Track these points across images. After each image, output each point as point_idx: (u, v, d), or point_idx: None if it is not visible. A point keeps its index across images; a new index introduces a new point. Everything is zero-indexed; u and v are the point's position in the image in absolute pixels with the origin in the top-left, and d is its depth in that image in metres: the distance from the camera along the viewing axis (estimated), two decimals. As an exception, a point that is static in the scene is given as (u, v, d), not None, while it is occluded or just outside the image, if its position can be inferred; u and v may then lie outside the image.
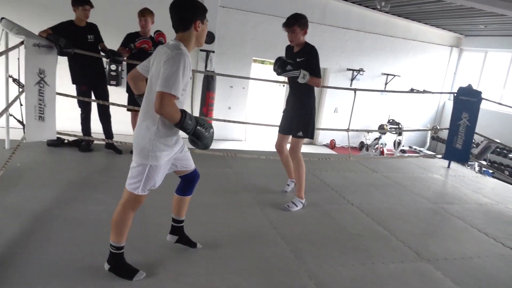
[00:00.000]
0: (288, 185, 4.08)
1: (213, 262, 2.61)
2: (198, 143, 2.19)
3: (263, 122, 12.28)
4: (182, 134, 2.17)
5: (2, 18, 4.10)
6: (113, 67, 8.65)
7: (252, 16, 9.62)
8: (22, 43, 3.68)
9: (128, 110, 4.71)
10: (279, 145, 3.80)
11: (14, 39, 3.91)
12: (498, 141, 7.16)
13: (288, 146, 3.76)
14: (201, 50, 9.24)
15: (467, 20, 9.75)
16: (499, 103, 6.89)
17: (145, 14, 4.43)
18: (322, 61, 11.54)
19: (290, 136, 3.66)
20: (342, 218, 3.60)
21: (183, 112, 2.02)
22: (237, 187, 4.11)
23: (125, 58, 4.48)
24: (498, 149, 9.83)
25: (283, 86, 16.80)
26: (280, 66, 3.36)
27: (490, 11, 6.72)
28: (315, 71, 3.37)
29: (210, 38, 9.14)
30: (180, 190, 2.52)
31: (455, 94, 5.46)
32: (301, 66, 3.33)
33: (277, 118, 12.58)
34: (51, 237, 2.68)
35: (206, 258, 2.65)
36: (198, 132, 2.11)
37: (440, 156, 6.41)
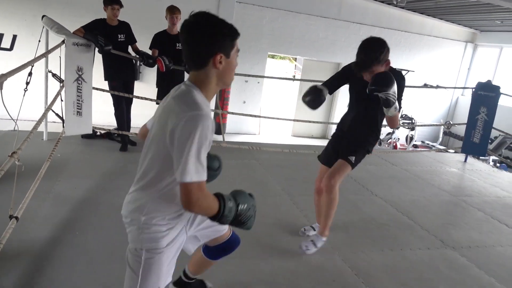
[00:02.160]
0: (315, 230, 3.07)
1: (251, 245, 2.80)
2: (241, 227, 1.51)
3: (277, 115, 12.44)
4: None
5: (44, 16, 4.29)
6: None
7: (268, 11, 9.74)
8: (63, 42, 3.87)
9: (157, 104, 4.89)
10: (321, 180, 2.81)
11: (53, 37, 4.12)
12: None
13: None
14: (218, 45, 9.40)
15: (483, 15, 9.77)
16: (515, 99, 6.98)
17: (175, 11, 4.53)
18: (336, 56, 11.58)
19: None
20: (368, 209, 3.78)
21: (222, 201, 1.38)
22: (265, 178, 4.30)
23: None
24: (511, 145, 9.90)
25: (293, 82, 16.92)
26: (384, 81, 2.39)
27: (507, 7, 6.78)
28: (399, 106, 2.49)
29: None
30: (207, 252, 1.91)
31: (473, 89, 5.57)
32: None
33: (291, 112, 12.81)
34: (102, 222, 2.89)
35: (244, 240, 2.84)
36: (238, 221, 1.47)
37: (453, 150, 6.53)
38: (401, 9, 10.31)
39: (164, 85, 4.75)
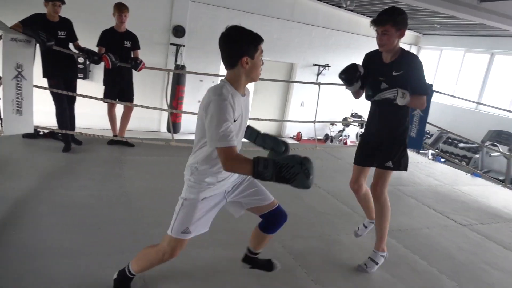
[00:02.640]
0: (366, 226, 3.09)
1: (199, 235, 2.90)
2: (294, 185, 1.69)
3: (233, 115, 12.51)
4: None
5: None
6: (80, 59, 8.61)
7: (223, 11, 9.84)
8: (0, 37, 3.75)
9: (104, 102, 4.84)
10: (356, 181, 2.87)
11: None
12: (449, 131, 7.82)
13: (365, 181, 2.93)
14: (171, 44, 9.38)
15: (424, 20, 10.44)
16: (452, 96, 7.55)
17: (123, 9, 4.50)
18: (290, 57, 11.87)
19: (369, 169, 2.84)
20: (310, 199, 3.98)
21: (255, 161, 1.68)
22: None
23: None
24: (450, 139, 10.65)
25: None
26: (372, 87, 2.56)
27: (442, 12, 7.31)
28: (419, 88, 2.48)
29: (180, 32, 9.31)
30: (263, 227, 2.23)
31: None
32: (398, 83, 2.44)
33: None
34: (41, 220, 2.87)
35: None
36: (282, 178, 1.67)
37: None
38: (350, 12, 10.77)
39: (111, 83, 4.73)
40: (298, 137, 11.75)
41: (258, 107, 11.34)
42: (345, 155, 5.96)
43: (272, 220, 2.19)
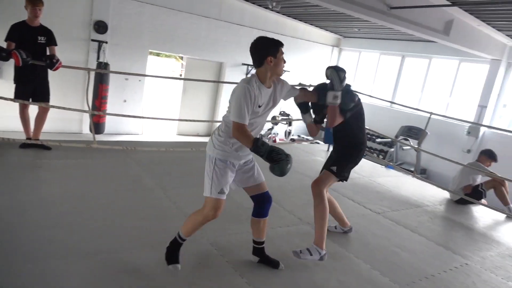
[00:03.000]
0: (335, 227, 3.57)
1: (123, 239, 2.83)
2: (274, 168, 2.22)
3: (160, 114, 12.22)
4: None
5: None
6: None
7: (148, 8, 9.56)
8: None
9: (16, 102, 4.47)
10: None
11: None
12: (367, 128, 8.44)
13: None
14: (93, 40, 8.89)
15: (344, 23, 11.13)
16: (370, 96, 8.16)
17: (38, 3, 4.18)
18: (219, 56, 11.86)
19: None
20: (238, 196, 4.03)
21: (257, 139, 2.24)
22: (139, 174, 4.29)
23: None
24: (368, 135, 11.50)
25: (178, 80, 16.86)
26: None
27: (357, 16, 7.85)
28: None
29: (102, 27, 8.86)
30: (254, 213, 2.69)
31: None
32: None
33: (176, 111, 12.70)
34: None
35: (116, 236, 2.85)
36: (271, 157, 2.20)
37: (321, 142, 7.37)
38: (277, 13, 11.10)
39: (24, 81, 4.36)
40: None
41: (188, 107, 11.22)
42: (272, 152, 6.16)
43: (259, 202, 2.65)
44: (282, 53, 2.43)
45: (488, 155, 5.20)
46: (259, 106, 2.37)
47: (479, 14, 7.42)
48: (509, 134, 8.49)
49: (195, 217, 2.53)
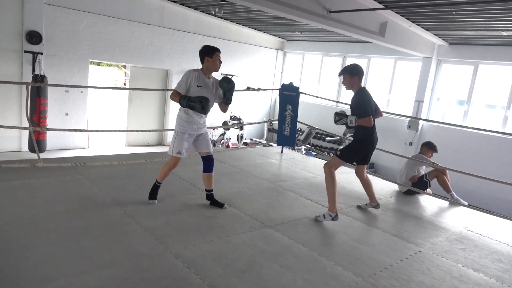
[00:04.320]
0: (366, 205, 4.57)
1: (80, 261, 2.68)
2: (195, 110, 3.54)
3: (107, 126, 11.72)
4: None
5: None
6: None
7: (85, 16, 9.15)
8: None
9: None
10: (355, 172, 4.48)
11: None
12: (316, 127, 8.73)
13: (364, 173, 4.42)
14: (26, 52, 8.32)
15: (286, 27, 11.42)
16: (316, 96, 8.43)
17: None
18: (164, 63, 11.67)
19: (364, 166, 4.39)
20: (198, 206, 4.01)
21: (182, 96, 3.53)
22: (91, 191, 4.09)
23: None
24: (318, 134, 11.87)
25: (124, 85, 16.33)
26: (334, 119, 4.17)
27: (298, 20, 8.08)
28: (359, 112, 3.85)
29: (36, 38, 8.34)
30: (204, 169, 3.90)
31: (279, 90, 6.49)
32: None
33: (123, 121, 12.30)
34: None
35: (72, 258, 2.69)
36: (190, 106, 3.49)
37: (274, 144, 7.48)
38: (220, 18, 11.12)
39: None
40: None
41: (135, 116, 10.87)
42: (228, 158, 6.16)
43: (206, 162, 3.88)
44: (218, 55, 3.66)
45: (429, 147, 5.59)
46: (198, 86, 3.60)
47: (410, 15, 7.97)
48: (444, 125, 9.20)
49: (164, 168, 3.86)
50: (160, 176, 3.86)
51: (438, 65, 10.26)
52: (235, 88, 3.69)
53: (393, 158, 7.08)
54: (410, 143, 10.22)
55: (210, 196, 4.01)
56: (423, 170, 5.54)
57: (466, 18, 7.41)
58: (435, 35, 9.25)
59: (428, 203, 5.21)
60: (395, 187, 5.71)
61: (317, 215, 4.00)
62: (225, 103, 3.79)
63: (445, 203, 5.24)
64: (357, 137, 4.05)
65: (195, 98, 3.46)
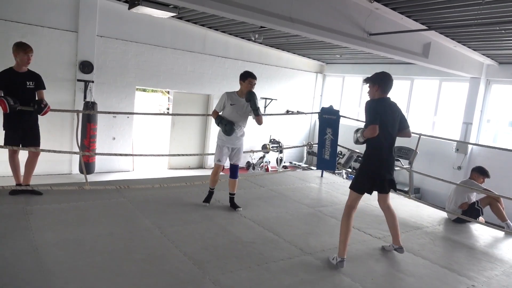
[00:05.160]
0: (389, 246, 3.85)
1: (122, 285, 2.72)
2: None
3: (151, 150, 12.11)
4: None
5: None
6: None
7: (133, 46, 9.68)
8: None
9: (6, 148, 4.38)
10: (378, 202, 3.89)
11: None
12: (358, 151, 8.51)
13: (388, 204, 3.77)
14: (79, 80, 8.89)
15: (326, 50, 11.42)
16: (356, 119, 8.27)
17: (29, 50, 4.17)
18: (205, 88, 11.96)
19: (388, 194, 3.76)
20: (236, 230, 3.99)
21: (218, 116, 4.43)
22: (133, 214, 4.19)
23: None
24: (359, 158, 11.57)
25: (167, 111, 16.91)
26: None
27: (337, 44, 8.06)
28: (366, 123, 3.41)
29: (88, 67, 8.90)
30: (230, 176, 4.60)
31: (319, 113, 6.43)
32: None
33: (165, 145, 12.64)
34: None
35: (114, 281, 2.74)
36: (219, 124, 4.36)
37: (314, 168, 7.37)
38: (259, 44, 11.35)
39: (12, 127, 4.31)
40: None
41: (178, 140, 11.19)
42: (267, 182, 6.12)
43: (232, 169, 4.59)
44: (250, 80, 4.35)
45: (480, 172, 5.26)
46: (231, 104, 4.35)
47: (455, 36, 7.71)
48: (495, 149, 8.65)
49: (211, 176, 4.65)
50: (211, 183, 4.67)
51: (487, 85, 9.77)
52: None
53: (440, 183, 6.72)
54: (459, 167, 9.68)
55: (231, 199, 4.67)
56: (474, 197, 5.20)
57: (516, 36, 7.05)
58: (483, 54, 8.85)
59: (481, 232, 4.85)
60: (443, 214, 5.39)
61: (330, 256, 3.48)
62: (255, 115, 4.33)
63: (500, 233, 4.86)
64: (362, 159, 3.54)
65: (224, 121, 4.31)
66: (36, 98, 4.28)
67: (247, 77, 4.34)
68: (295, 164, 12.74)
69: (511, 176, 8.63)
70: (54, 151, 4.88)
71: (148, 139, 15.05)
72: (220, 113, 4.46)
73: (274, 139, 12.36)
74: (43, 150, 4.49)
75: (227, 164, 4.65)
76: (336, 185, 6.44)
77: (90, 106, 8.41)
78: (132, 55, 9.75)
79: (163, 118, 18.45)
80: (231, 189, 4.65)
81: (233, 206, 4.65)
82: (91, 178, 6.05)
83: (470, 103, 9.77)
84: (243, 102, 4.35)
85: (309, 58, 13.23)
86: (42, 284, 2.64)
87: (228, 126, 4.27)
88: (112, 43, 9.39)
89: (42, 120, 4.51)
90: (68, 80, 8.89)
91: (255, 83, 4.42)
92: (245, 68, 12.57)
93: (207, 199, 4.71)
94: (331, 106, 6.48)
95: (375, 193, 3.65)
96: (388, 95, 3.51)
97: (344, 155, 9.96)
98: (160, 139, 13.53)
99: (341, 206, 5.17)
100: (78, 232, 3.55)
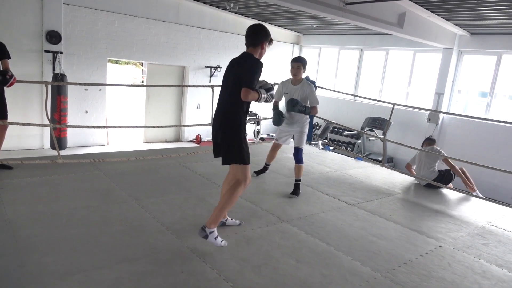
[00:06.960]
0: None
1: (99, 256, 2.72)
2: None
3: (125, 122, 11.91)
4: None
5: None
6: None
7: (103, 15, 9.27)
8: None
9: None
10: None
11: None
12: (334, 121, 8.63)
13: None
14: (46, 51, 8.50)
15: (302, 21, 11.29)
16: (333, 90, 8.34)
17: None
18: (180, 60, 11.75)
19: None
20: (215, 200, 4.00)
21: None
22: (109, 186, 4.15)
23: None
24: (335, 129, 11.74)
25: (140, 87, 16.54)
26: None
27: (314, 13, 7.99)
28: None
29: (55, 37, 8.50)
30: (295, 160, 4.45)
31: (297, 85, 6.42)
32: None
33: (140, 118, 12.45)
34: None
35: (92, 253, 2.74)
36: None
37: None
38: (235, 14, 11.09)
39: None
40: (198, 139, 11.71)
41: (153, 113, 10.99)
42: (244, 153, 6.14)
43: (294, 153, 4.42)
44: (291, 65, 4.40)
45: (432, 140, 5.65)
46: (285, 93, 4.48)
47: (429, 5, 7.76)
48: (466, 118, 8.95)
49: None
50: (266, 158, 4.90)
51: (459, 56, 9.98)
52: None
53: (412, 151, 6.93)
54: (431, 137, 9.99)
55: (296, 185, 4.44)
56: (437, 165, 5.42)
57: (488, 7, 7.16)
58: (456, 25, 8.98)
59: (450, 197, 5.08)
60: (413, 179, 5.60)
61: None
62: (306, 114, 4.32)
63: (467, 197, 5.11)
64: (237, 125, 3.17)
65: (274, 110, 4.32)
66: (1, 69, 4.08)
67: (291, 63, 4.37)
68: (272, 136, 12.81)
69: (480, 144, 8.99)
70: (23, 124, 4.71)
71: (123, 113, 14.72)
72: (279, 102, 4.48)
73: (251, 111, 12.33)
74: (11, 123, 4.31)
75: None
76: (313, 156, 6.54)
77: (59, 78, 8.10)
78: (102, 25, 9.36)
79: (138, 91, 18.01)
80: (295, 175, 4.45)
81: (293, 191, 4.39)
82: (64, 153, 5.91)
83: (442, 74, 9.98)
84: (297, 90, 4.31)
85: (286, 28, 13.07)
86: (17, 257, 2.61)
87: (276, 117, 4.22)
88: (80, 12, 8.96)
89: (8, 92, 4.31)
90: (34, 51, 8.49)
91: (297, 67, 4.31)
92: (221, 38, 12.49)
93: (259, 172, 4.91)
94: (307, 77, 6.47)
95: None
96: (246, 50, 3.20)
97: (320, 126, 10.08)
98: (135, 113, 13.28)
99: (317, 176, 5.31)
100: (53, 205, 3.49)
